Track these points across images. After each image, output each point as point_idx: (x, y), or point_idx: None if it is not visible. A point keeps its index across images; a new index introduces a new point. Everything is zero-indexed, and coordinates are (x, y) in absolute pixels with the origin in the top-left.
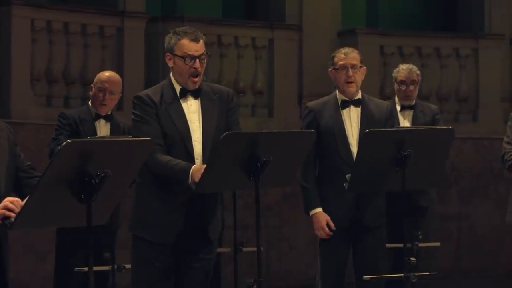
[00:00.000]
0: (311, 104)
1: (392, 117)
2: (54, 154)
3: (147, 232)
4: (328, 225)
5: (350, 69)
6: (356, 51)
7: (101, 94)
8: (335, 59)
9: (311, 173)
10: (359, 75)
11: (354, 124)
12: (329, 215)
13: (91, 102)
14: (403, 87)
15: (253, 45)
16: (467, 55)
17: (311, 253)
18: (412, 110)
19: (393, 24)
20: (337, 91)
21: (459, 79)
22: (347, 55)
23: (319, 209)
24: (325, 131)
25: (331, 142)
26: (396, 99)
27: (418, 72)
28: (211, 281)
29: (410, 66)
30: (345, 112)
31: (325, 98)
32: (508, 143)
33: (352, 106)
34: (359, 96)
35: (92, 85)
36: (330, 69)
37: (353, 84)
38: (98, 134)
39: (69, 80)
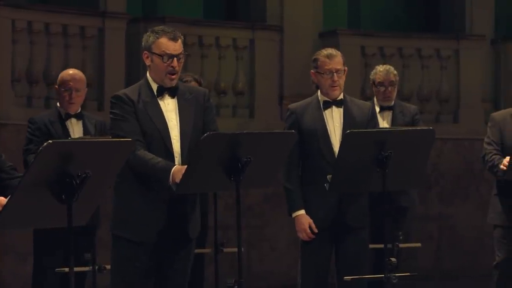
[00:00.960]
0: (293, 106)
1: (374, 118)
2: (35, 156)
3: (128, 231)
4: (310, 227)
5: (335, 74)
6: (340, 53)
7: (67, 94)
8: (319, 63)
9: (294, 174)
10: (343, 79)
11: (337, 125)
12: (312, 216)
13: (59, 103)
14: (382, 89)
15: (234, 45)
16: (448, 56)
17: (292, 254)
18: (391, 111)
19: (374, 25)
20: (319, 92)
21: (440, 80)
22: (332, 59)
23: (302, 211)
24: (307, 132)
25: (313, 143)
26: (375, 100)
27: (396, 72)
28: (195, 282)
29: (387, 67)
30: (327, 113)
31: (307, 99)
32: (488, 144)
33: (334, 107)
34: (341, 96)
35: (56, 86)
36: (312, 71)
37: (338, 88)
38: (71, 134)
39: (50, 80)
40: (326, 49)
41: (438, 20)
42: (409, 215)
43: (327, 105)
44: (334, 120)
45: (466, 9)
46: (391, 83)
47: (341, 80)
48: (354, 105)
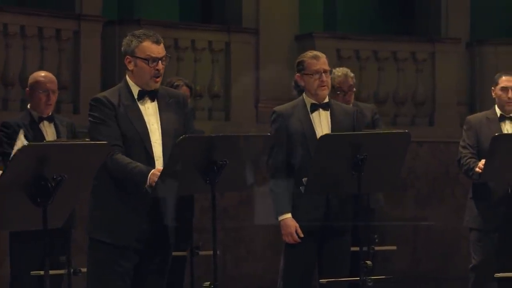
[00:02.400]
0: (279, 108)
1: (358, 122)
2: (10, 159)
3: (105, 235)
4: (296, 231)
5: (323, 74)
6: (324, 55)
7: (44, 95)
8: (306, 64)
9: (281, 177)
10: (330, 78)
11: (325, 127)
12: (299, 218)
13: (31, 106)
14: (341, 94)
15: (209, 48)
16: (424, 59)
17: (268, 256)
18: None
19: (350, 28)
20: (304, 95)
21: (415, 83)
22: (319, 60)
23: (289, 215)
24: (295, 135)
25: (302, 146)
26: None
27: (353, 75)
28: (175, 284)
29: (345, 70)
30: (314, 116)
31: (292, 102)
32: (464, 147)
33: (321, 110)
34: (326, 99)
35: (28, 88)
36: (298, 75)
37: (326, 88)
38: (45, 137)
39: (26, 83)
40: (310, 51)
41: (413, 23)
42: (376, 217)
43: (314, 107)
44: (322, 123)
45: (442, 12)
46: (350, 88)
47: (328, 80)
48: (339, 107)
